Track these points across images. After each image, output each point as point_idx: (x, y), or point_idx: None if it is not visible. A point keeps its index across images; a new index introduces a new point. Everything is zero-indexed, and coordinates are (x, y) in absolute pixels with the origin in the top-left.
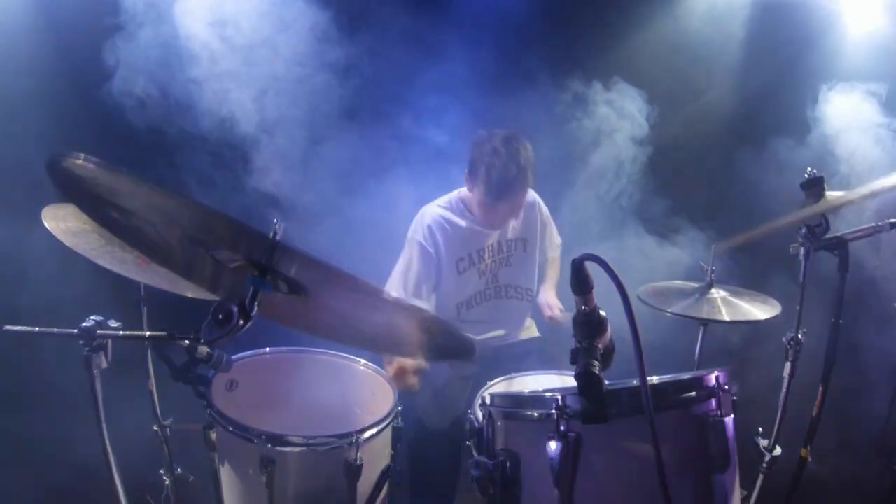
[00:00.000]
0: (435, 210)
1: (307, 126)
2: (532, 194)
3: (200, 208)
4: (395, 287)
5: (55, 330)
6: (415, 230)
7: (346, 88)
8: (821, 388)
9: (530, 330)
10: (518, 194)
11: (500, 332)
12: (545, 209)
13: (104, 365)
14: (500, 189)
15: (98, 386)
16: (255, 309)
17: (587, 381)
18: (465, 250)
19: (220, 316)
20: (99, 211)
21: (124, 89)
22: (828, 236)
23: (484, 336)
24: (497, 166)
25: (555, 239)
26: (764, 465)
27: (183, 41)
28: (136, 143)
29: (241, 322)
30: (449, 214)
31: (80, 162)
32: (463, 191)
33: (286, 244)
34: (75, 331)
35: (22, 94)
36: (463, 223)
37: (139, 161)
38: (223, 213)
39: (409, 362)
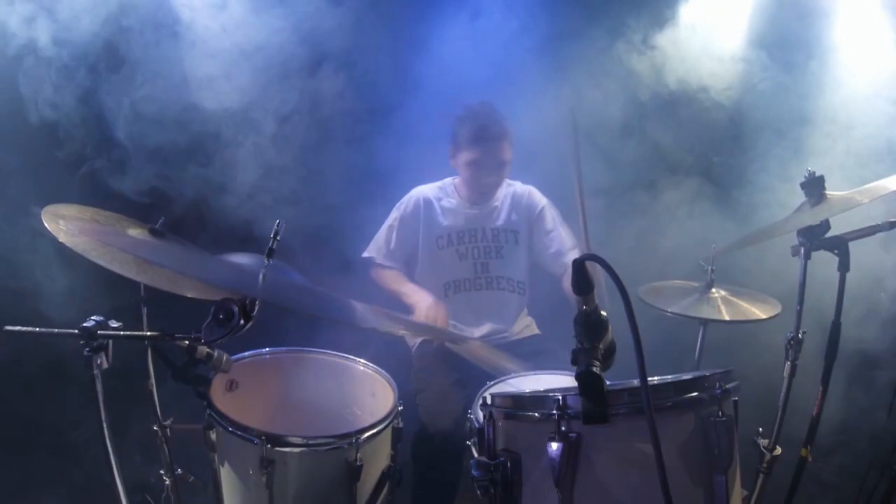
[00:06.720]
0: (425, 188)
1: None
2: (526, 186)
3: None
4: (373, 248)
5: (56, 330)
6: (403, 202)
7: None
8: (821, 388)
9: (530, 328)
10: (498, 136)
11: (493, 327)
12: (544, 204)
13: (105, 365)
14: (480, 131)
15: (99, 386)
16: (256, 309)
17: (588, 382)
18: (444, 229)
19: (221, 316)
20: None
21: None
22: (827, 235)
23: (479, 331)
24: (471, 115)
25: (564, 241)
26: (764, 464)
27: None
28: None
29: (242, 322)
30: (437, 193)
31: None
32: (457, 178)
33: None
34: (76, 331)
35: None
36: (449, 203)
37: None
38: None
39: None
